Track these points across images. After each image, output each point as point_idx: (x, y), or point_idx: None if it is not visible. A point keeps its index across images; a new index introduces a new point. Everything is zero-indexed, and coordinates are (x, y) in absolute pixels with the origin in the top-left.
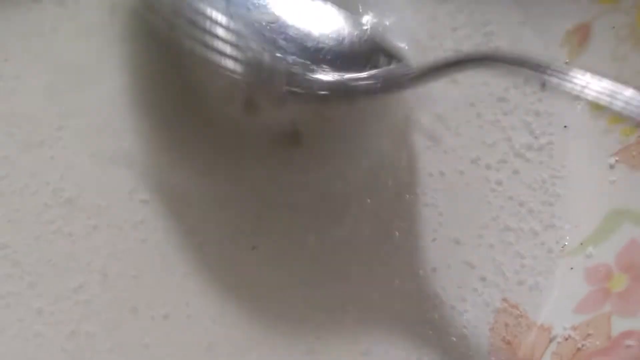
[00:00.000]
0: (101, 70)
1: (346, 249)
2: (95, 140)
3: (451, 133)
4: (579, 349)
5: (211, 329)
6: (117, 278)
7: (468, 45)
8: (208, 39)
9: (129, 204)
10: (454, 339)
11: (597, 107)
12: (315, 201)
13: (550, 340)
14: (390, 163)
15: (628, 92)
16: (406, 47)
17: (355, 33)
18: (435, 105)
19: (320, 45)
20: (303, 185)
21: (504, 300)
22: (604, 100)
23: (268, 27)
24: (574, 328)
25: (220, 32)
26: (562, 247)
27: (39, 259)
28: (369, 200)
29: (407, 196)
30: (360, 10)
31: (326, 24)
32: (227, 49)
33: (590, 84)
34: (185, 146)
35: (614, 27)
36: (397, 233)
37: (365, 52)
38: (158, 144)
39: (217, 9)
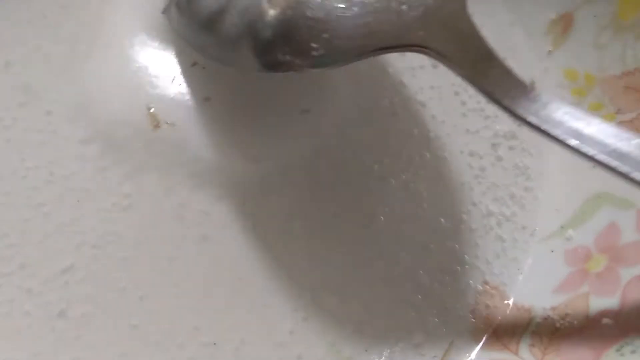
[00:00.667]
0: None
1: (330, 233)
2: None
3: (436, 121)
4: (557, 328)
5: (198, 310)
6: (106, 259)
7: None
8: None
9: (118, 188)
10: (436, 320)
11: (578, 93)
12: (301, 185)
13: (530, 321)
14: (375, 149)
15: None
16: None
17: None
18: (420, 93)
19: None
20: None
21: (485, 282)
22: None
23: None
24: (552, 308)
25: None
26: (543, 230)
27: (30, 241)
28: (353, 185)
29: (392, 181)
30: None
31: None
32: None
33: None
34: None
35: (595, 16)
36: (382, 218)
37: None
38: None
39: None
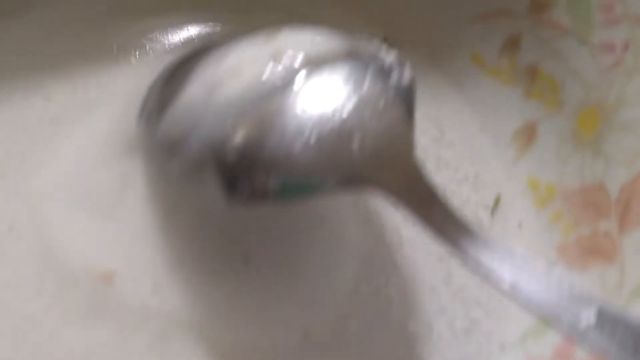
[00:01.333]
0: None
1: (301, 339)
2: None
3: (407, 224)
4: None
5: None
6: None
7: (424, 140)
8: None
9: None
10: None
11: (540, 203)
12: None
13: None
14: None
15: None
16: None
17: None
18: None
19: None
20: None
21: None
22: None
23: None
24: None
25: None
26: (506, 338)
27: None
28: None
29: (364, 286)
30: None
31: None
32: None
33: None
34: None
35: (557, 129)
36: (354, 322)
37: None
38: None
39: None
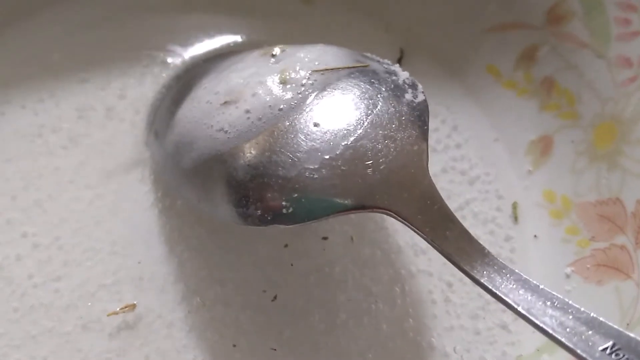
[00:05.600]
0: None
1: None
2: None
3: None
4: None
5: None
6: None
7: (439, 150)
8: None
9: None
10: None
11: (556, 215)
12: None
13: None
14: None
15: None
16: None
17: None
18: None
19: None
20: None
21: None
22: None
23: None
24: None
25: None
26: (521, 352)
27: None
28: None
29: (374, 306)
30: None
31: None
32: None
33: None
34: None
35: (572, 142)
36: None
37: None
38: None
39: None
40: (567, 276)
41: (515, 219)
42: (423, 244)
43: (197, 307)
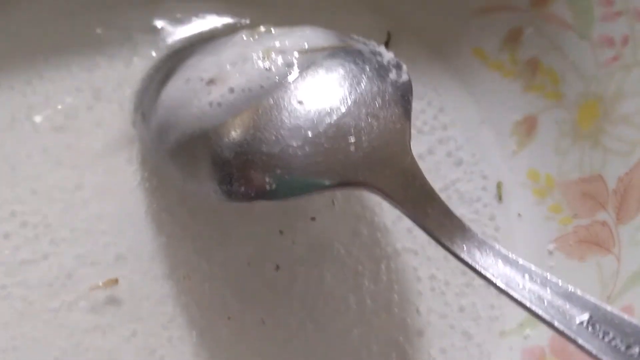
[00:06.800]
0: None
1: (309, 328)
2: None
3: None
4: None
5: None
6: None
7: (425, 132)
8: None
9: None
10: None
11: (539, 194)
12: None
13: None
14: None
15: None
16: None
17: None
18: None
19: None
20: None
21: None
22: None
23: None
24: None
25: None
26: (504, 327)
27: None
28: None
29: (366, 282)
30: None
31: None
32: None
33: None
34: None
35: (557, 122)
36: (354, 307)
37: None
38: None
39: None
40: (550, 253)
41: (500, 198)
42: (408, 223)
43: (183, 282)
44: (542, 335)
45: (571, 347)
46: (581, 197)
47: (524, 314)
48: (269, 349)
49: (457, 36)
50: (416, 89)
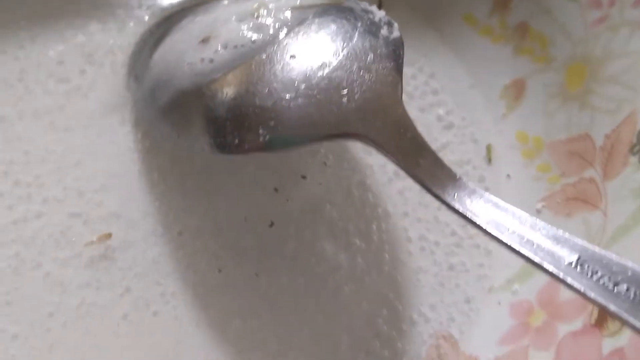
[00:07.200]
0: None
1: (298, 284)
2: None
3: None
4: None
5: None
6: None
7: (416, 97)
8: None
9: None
10: None
11: (528, 155)
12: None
13: None
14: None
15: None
16: None
17: None
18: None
19: None
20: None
21: (438, 331)
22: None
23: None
24: (497, 359)
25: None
26: (492, 283)
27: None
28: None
29: (357, 241)
30: None
31: None
32: None
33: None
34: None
35: (545, 85)
36: (345, 267)
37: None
38: None
39: None
40: (538, 212)
41: (489, 160)
42: (399, 185)
43: (176, 239)
44: (530, 290)
45: (558, 299)
46: (569, 156)
47: (512, 270)
48: (260, 302)
49: (447, 2)
50: (407, 55)
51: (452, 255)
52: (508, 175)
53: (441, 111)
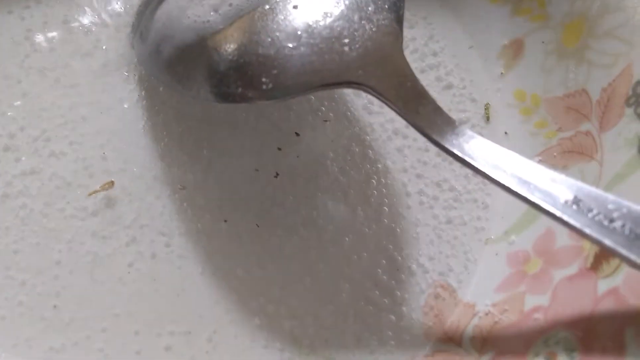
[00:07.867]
0: None
1: (297, 234)
2: None
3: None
4: (496, 322)
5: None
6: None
7: (415, 58)
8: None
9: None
10: (392, 317)
11: (525, 112)
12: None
13: (473, 315)
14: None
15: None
16: None
17: None
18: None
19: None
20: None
21: (436, 280)
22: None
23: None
24: (493, 305)
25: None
26: (490, 235)
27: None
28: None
29: (352, 192)
30: None
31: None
32: None
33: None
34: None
35: (543, 42)
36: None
37: None
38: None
39: None
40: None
41: (488, 119)
42: (398, 143)
43: (180, 192)
44: (526, 240)
45: (554, 247)
46: (565, 111)
47: (509, 222)
48: (263, 251)
49: None
50: (406, 18)
51: (450, 209)
52: (506, 133)
53: (440, 72)
